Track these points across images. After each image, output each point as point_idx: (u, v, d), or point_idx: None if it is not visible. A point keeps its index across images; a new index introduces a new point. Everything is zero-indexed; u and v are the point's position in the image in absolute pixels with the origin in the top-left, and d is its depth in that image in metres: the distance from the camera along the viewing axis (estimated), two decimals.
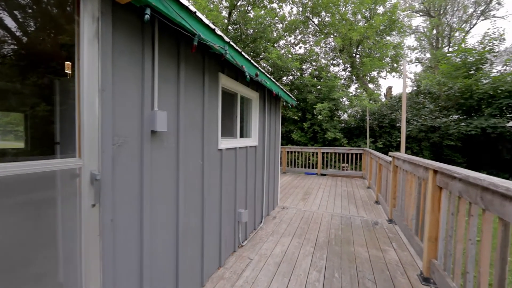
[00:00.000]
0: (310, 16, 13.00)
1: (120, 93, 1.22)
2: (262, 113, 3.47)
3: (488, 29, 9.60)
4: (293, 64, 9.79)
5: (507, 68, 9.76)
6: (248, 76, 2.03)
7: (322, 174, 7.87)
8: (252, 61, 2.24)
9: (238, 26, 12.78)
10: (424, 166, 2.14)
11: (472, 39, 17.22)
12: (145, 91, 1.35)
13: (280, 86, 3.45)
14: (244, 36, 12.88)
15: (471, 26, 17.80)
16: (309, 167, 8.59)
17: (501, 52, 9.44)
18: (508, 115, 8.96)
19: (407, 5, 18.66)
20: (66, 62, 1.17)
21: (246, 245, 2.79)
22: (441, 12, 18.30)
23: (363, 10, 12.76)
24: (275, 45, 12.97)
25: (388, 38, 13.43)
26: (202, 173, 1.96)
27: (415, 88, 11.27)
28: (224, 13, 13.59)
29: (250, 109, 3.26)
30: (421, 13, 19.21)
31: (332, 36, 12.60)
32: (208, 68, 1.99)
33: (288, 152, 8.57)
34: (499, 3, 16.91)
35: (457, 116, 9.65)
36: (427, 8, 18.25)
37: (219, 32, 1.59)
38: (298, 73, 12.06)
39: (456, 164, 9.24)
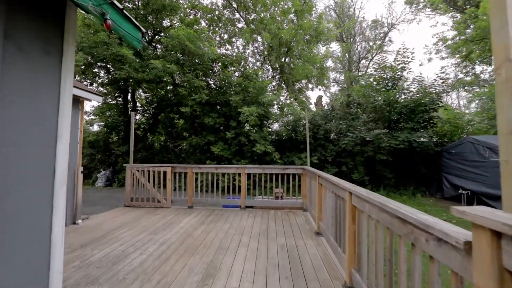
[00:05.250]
0: (235, 6, 10.97)
1: None
2: None
3: (400, 48, 10.02)
4: (210, 50, 7.08)
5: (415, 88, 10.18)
6: None
7: (247, 207, 5.19)
8: None
9: None
10: None
11: (374, 66, 19.88)
12: None
13: None
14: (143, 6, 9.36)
15: (373, 56, 20.67)
16: (231, 192, 5.81)
17: (410, 71, 9.73)
18: (421, 130, 9.07)
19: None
20: None
21: None
22: (351, 41, 20.59)
23: (291, 15, 11.84)
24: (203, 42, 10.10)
25: (314, 50, 13.01)
26: None
27: (333, 101, 10.75)
28: None
29: None
30: (336, 38, 21.07)
31: (260, 33, 10.88)
32: None
33: (196, 173, 5.50)
34: (390, 40, 20.47)
35: (380, 130, 9.27)
36: (341, 33, 20.10)
37: None
38: (221, 71, 9.46)
39: (386, 180, 8.61)
